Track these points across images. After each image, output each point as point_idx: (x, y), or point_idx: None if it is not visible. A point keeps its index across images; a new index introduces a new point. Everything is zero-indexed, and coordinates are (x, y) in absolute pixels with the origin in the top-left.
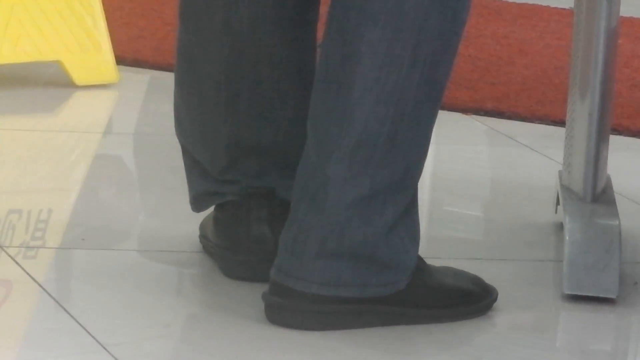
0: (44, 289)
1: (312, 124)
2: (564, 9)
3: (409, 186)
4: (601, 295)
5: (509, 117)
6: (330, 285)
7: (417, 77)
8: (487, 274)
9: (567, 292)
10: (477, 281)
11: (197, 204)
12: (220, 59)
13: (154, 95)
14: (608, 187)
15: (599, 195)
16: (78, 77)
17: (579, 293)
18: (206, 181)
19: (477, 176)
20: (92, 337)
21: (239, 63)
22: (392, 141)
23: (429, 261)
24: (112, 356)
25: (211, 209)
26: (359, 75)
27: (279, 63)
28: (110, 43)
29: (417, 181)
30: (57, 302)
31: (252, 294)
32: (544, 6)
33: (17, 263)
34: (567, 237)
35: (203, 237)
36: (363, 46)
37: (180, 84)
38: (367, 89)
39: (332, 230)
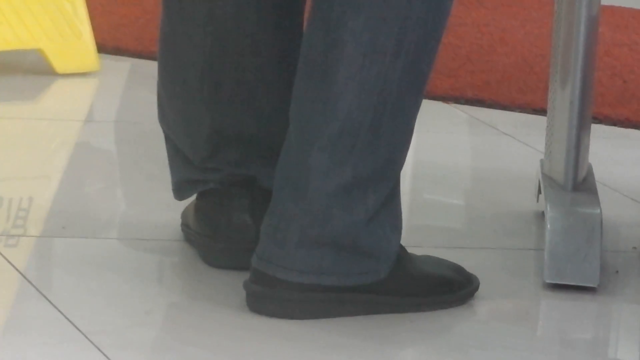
0: (24, 277)
1: (294, 112)
2: None
3: (391, 175)
4: (582, 284)
5: (490, 106)
6: (311, 273)
7: (400, 66)
8: (468, 262)
9: (548, 280)
10: (458, 270)
11: (179, 191)
12: (204, 48)
13: (134, 83)
14: (589, 175)
15: (580, 184)
16: (59, 65)
17: (560, 282)
18: (188, 169)
19: (458, 165)
20: (73, 325)
21: (222, 52)
22: (375, 130)
23: (410, 250)
24: (93, 344)
25: (193, 197)
26: (343, 63)
27: (262, 52)
28: (91, 31)
29: (400, 170)
30: (38, 290)
31: (233, 282)
32: None
33: None
34: (548, 226)
35: (184, 225)
36: (347, 35)
37: (163, 72)
38: (351, 78)
39: (313, 219)
